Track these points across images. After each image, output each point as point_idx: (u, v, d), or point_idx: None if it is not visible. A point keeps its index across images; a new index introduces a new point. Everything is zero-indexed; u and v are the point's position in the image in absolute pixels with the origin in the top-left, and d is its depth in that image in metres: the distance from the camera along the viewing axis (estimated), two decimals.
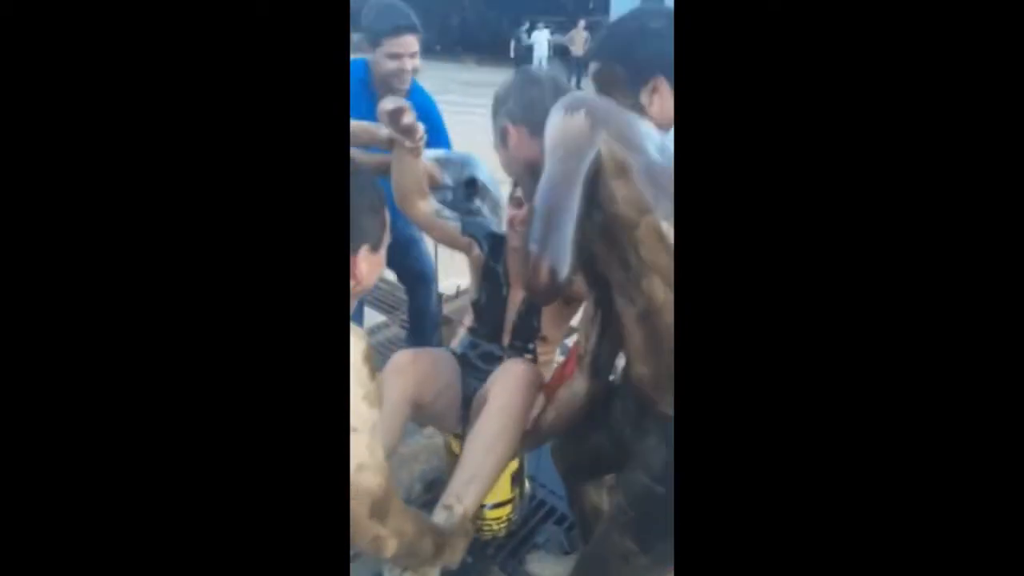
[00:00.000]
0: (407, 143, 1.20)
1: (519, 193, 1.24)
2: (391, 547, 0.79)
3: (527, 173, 1.00)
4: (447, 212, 1.35)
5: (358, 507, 0.72)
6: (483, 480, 1.08)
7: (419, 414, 1.24)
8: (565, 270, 0.78)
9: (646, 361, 0.88)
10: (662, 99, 0.89)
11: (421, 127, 1.22)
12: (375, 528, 0.76)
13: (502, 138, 1.04)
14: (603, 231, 0.81)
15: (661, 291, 0.80)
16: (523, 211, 1.21)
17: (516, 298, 1.30)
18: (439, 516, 1.03)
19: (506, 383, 1.11)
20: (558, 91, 0.99)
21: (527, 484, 1.56)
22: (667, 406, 0.87)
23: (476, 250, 1.33)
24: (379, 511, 0.75)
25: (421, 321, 2.10)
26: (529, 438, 1.16)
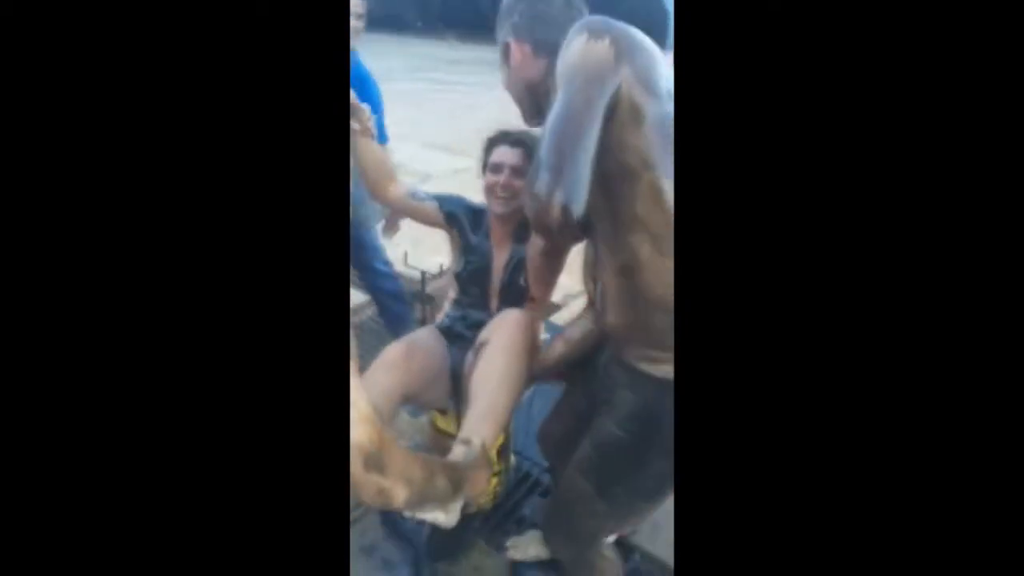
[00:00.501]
0: (355, 126, 1.20)
1: (496, 159, 1.24)
2: (400, 496, 0.75)
3: (527, 93, 0.94)
4: (421, 193, 1.35)
5: (352, 463, 0.71)
6: (497, 414, 1.03)
7: (408, 401, 1.24)
8: (580, 207, 0.72)
9: (618, 312, 0.86)
10: None
11: (365, 108, 1.22)
12: (377, 480, 0.72)
13: (504, 54, 0.95)
14: (602, 177, 0.75)
15: (647, 249, 0.78)
16: (504, 176, 1.21)
17: (500, 263, 1.31)
18: (457, 452, 0.99)
19: (505, 325, 1.10)
20: (570, 8, 0.91)
21: (512, 458, 1.58)
22: (635, 358, 0.86)
23: (455, 225, 1.33)
24: (376, 463, 0.73)
25: (384, 301, 2.13)
26: (539, 370, 1.13)
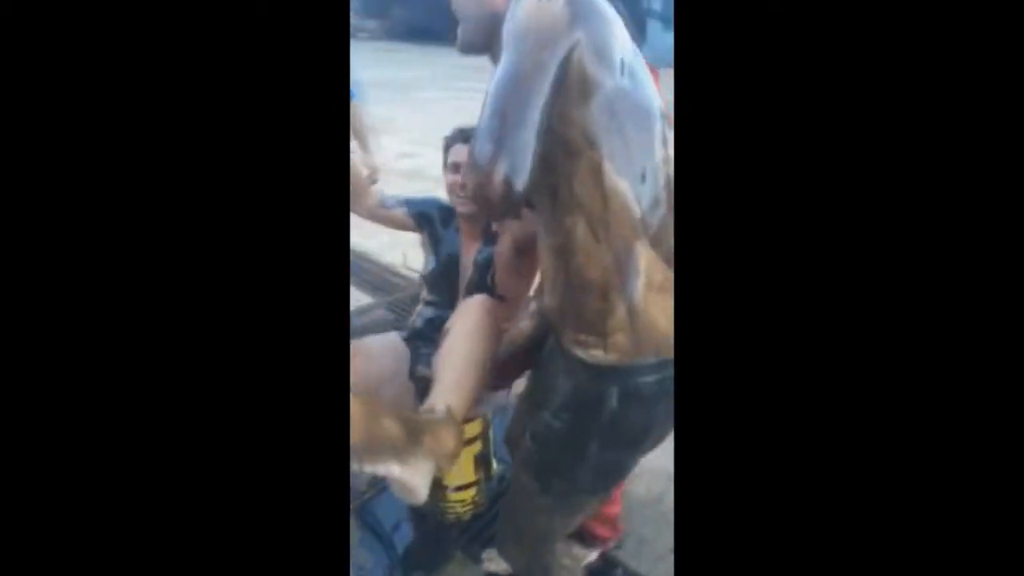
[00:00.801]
0: None
1: (454, 158, 1.20)
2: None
3: (480, 20, 0.81)
4: (390, 200, 1.36)
5: None
6: (462, 386, 0.98)
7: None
8: (522, 179, 0.66)
9: (554, 295, 0.81)
10: None
11: None
12: None
13: None
14: (543, 150, 0.69)
15: (581, 231, 0.72)
16: (460, 176, 1.17)
17: (468, 261, 1.28)
18: (423, 417, 0.93)
19: (468, 308, 1.06)
20: None
21: (494, 465, 1.53)
22: (569, 342, 0.81)
23: (425, 227, 1.33)
24: None
25: None
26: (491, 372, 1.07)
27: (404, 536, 1.43)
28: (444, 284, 1.30)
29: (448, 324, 1.08)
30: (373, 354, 1.21)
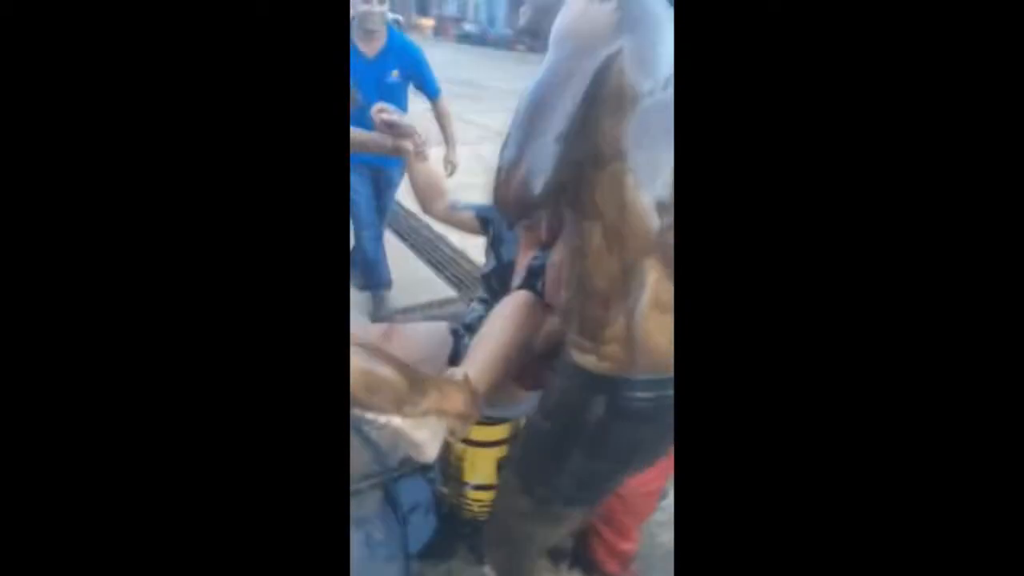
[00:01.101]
0: (409, 147, 1.26)
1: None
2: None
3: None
4: (460, 204, 1.41)
5: None
6: (484, 365, 0.96)
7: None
8: (540, 184, 0.67)
9: (565, 291, 0.80)
10: None
11: (419, 134, 1.28)
12: None
13: None
14: (573, 153, 0.68)
15: (597, 239, 0.72)
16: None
17: (522, 265, 1.28)
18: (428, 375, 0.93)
19: (508, 301, 1.07)
20: None
21: None
22: (569, 343, 0.80)
23: (489, 230, 1.36)
24: None
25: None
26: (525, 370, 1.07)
27: (419, 520, 1.46)
28: (498, 285, 1.32)
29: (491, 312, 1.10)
30: (417, 337, 1.26)
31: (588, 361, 0.78)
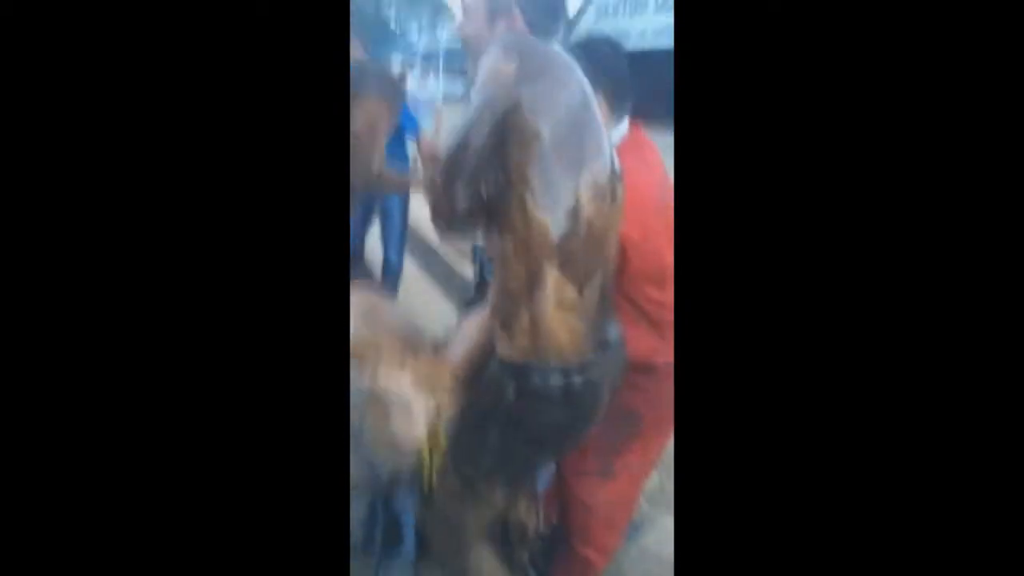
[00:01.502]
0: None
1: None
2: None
3: (468, 49, 1.01)
4: None
5: None
6: (467, 343, 1.05)
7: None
8: (460, 206, 0.84)
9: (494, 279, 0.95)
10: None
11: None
12: None
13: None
14: (488, 177, 0.84)
15: (508, 247, 0.85)
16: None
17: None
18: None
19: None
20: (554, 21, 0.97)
21: None
22: (496, 339, 0.93)
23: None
24: None
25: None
26: None
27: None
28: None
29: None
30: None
31: (503, 350, 0.91)
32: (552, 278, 0.85)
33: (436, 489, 1.06)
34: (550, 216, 0.83)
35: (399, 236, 2.67)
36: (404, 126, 2.54)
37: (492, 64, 0.82)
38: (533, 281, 0.85)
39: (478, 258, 1.45)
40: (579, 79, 0.87)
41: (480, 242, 1.24)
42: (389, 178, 1.57)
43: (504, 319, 0.90)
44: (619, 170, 0.92)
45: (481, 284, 1.43)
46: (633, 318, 1.05)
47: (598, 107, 0.90)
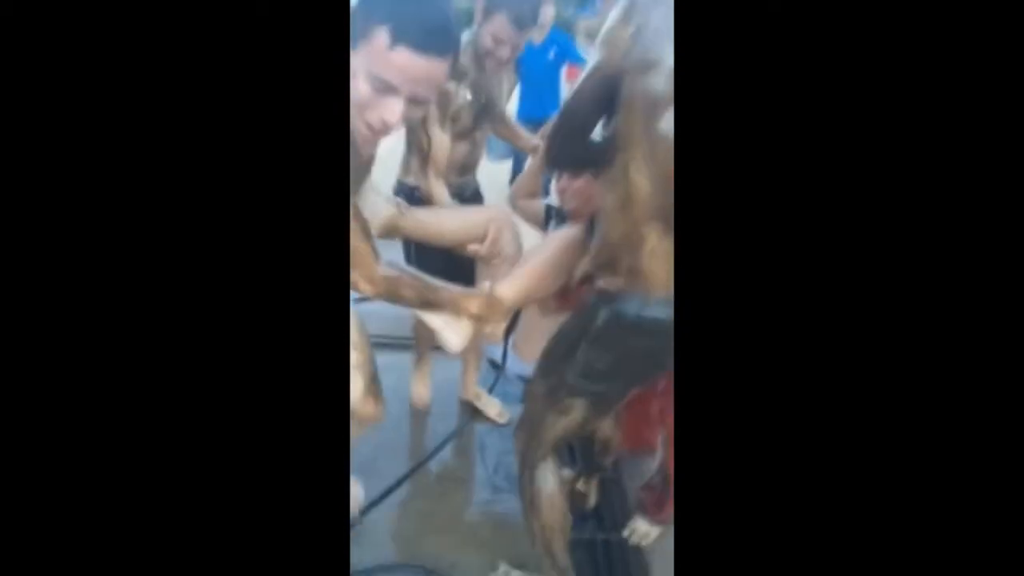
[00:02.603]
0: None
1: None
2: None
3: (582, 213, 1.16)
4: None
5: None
6: (515, 287, 1.07)
7: None
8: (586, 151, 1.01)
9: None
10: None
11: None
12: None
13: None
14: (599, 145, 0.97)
15: (614, 203, 0.95)
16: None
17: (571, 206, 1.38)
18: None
19: (553, 235, 1.22)
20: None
21: None
22: (595, 275, 1.03)
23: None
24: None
25: None
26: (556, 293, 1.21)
27: None
28: None
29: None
30: None
31: (602, 283, 1.01)
32: (653, 236, 0.91)
33: (526, 393, 1.20)
34: (649, 181, 0.89)
35: None
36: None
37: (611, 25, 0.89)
38: (634, 234, 0.92)
39: (552, 215, 1.51)
40: None
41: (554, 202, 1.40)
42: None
43: (606, 263, 0.99)
44: None
45: (553, 210, 1.48)
46: None
47: None
